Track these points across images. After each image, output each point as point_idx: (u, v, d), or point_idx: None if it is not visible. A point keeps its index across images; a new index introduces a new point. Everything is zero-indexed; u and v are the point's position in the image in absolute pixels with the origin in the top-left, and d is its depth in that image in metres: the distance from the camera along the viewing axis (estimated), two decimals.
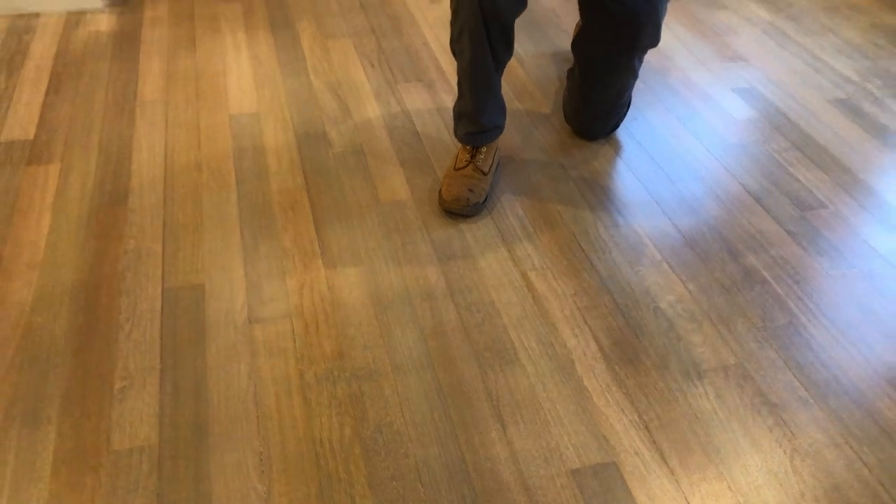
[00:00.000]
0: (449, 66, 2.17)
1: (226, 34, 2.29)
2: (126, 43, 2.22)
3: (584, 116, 1.88)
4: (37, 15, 2.34)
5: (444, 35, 2.33)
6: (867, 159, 1.89)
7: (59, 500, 1.11)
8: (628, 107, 1.91)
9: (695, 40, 2.38)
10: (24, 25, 2.29)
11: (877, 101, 2.12)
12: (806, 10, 2.61)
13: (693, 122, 2.00)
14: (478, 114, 1.67)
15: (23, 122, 1.88)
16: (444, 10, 2.47)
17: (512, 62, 2.21)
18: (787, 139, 1.95)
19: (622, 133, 1.94)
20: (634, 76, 1.80)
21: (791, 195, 1.77)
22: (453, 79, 2.11)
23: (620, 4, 1.65)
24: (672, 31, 2.43)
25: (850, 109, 2.08)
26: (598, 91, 1.81)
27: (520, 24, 2.42)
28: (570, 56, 2.22)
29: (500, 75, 1.65)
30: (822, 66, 2.28)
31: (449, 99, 2.03)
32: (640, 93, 2.09)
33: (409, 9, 2.48)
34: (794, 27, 2.49)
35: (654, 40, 1.73)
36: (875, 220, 1.71)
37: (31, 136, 1.83)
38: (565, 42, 2.32)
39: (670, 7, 2.56)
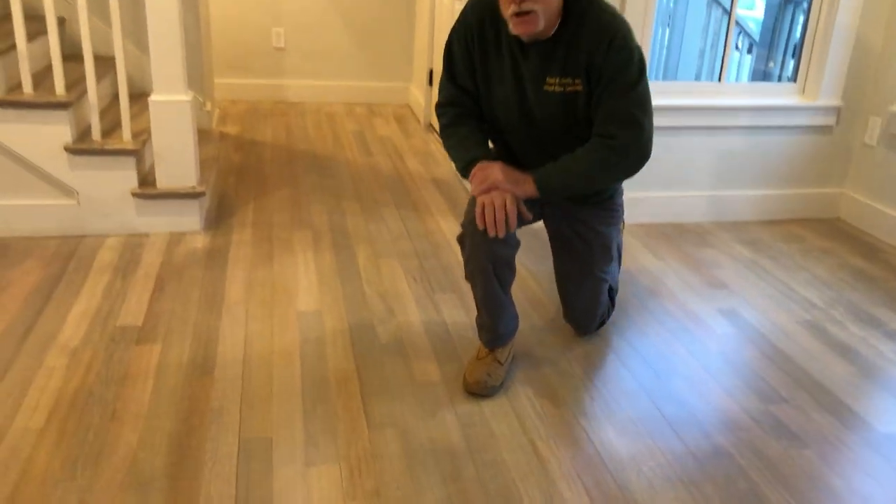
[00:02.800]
0: None
1: (297, 253, 2.81)
2: (217, 257, 2.75)
3: (571, 317, 2.30)
4: (147, 234, 2.91)
5: None
6: (827, 367, 2.25)
7: None
8: (612, 308, 2.33)
9: (686, 270, 2.84)
10: (136, 242, 2.84)
11: (838, 323, 2.51)
12: (784, 251, 3.08)
13: (679, 333, 2.39)
14: (495, 326, 2.10)
15: (134, 312, 2.35)
16: None
17: (526, 277, 2.67)
18: (759, 350, 2.33)
19: (618, 338, 2.34)
20: (603, 282, 2.21)
21: (758, 392, 2.11)
22: None
23: (575, 234, 2.13)
24: (666, 262, 2.90)
25: (816, 329, 2.47)
26: (572, 297, 2.25)
27: (532, 246, 2.91)
28: None
29: (509, 292, 2.08)
30: (793, 295, 2.70)
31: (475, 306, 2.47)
32: (636, 308, 2.51)
33: (447, 237, 3.01)
34: (773, 264, 2.95)
35: (607, 258, 2.17)
36: (830, 414, 2.03)
37: (140, 323, 2.29)
38: None
39: (665, 242, 3.06)
